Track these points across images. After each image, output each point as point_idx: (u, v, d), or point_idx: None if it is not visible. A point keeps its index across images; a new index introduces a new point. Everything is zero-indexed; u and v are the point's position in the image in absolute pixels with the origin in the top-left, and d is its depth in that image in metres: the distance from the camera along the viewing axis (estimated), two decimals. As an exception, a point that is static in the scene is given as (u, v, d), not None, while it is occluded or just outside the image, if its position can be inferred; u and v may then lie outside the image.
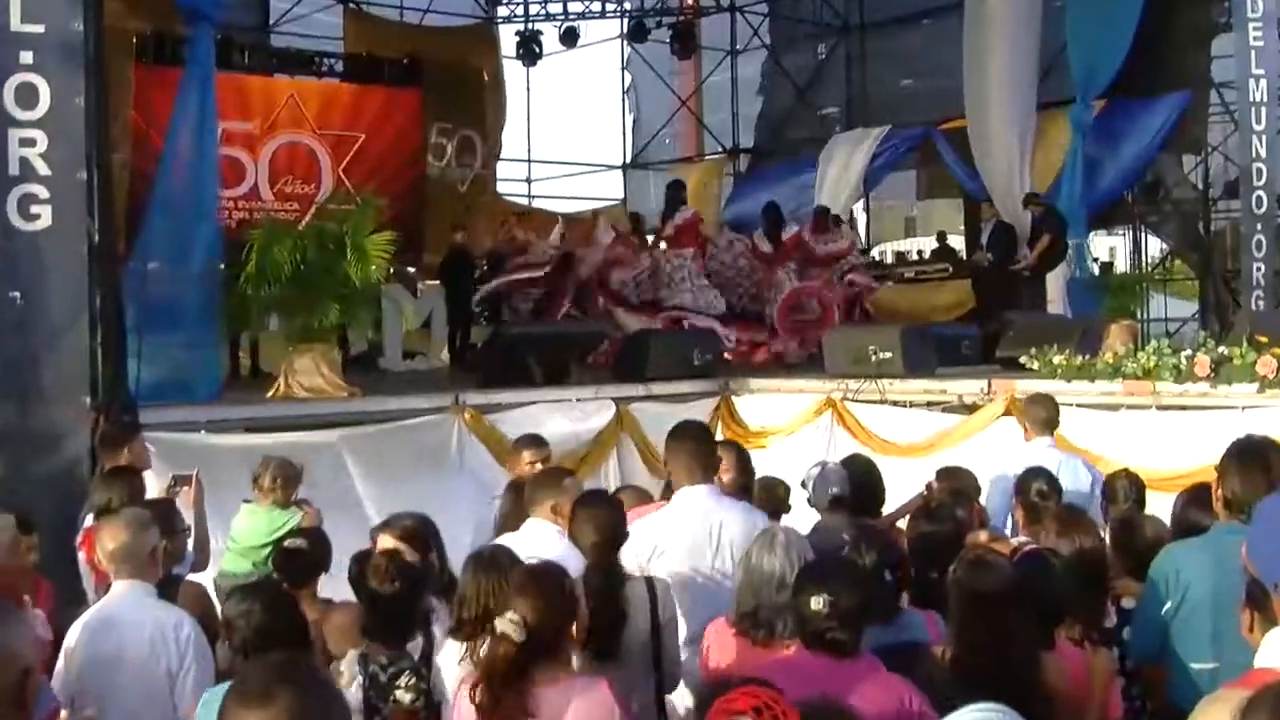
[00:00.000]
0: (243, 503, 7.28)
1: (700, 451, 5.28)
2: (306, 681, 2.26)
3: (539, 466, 6.86)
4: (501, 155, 22.48)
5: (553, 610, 3.78)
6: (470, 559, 4.49)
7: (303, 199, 16.97)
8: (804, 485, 6.63)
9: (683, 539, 5.06)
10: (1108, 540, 5.17)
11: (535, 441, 7.30)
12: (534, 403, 10.89)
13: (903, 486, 7.06)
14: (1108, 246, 17.62)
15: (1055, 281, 15.00)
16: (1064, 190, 15.20)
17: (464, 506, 9.86)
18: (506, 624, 3.71)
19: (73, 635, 4.62)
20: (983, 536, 5.84)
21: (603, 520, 4.80)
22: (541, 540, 4.99)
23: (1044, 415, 7.60)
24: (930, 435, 10.33)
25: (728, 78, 23.54)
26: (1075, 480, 6.95)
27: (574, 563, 4.51)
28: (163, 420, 8.89)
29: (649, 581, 4.74)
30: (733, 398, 11.99)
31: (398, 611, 4.55)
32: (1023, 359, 10.49)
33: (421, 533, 5.14)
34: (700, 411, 11.56)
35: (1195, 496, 5.12)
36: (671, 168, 23.86)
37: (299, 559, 5.53)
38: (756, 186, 21.11)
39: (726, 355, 13.70)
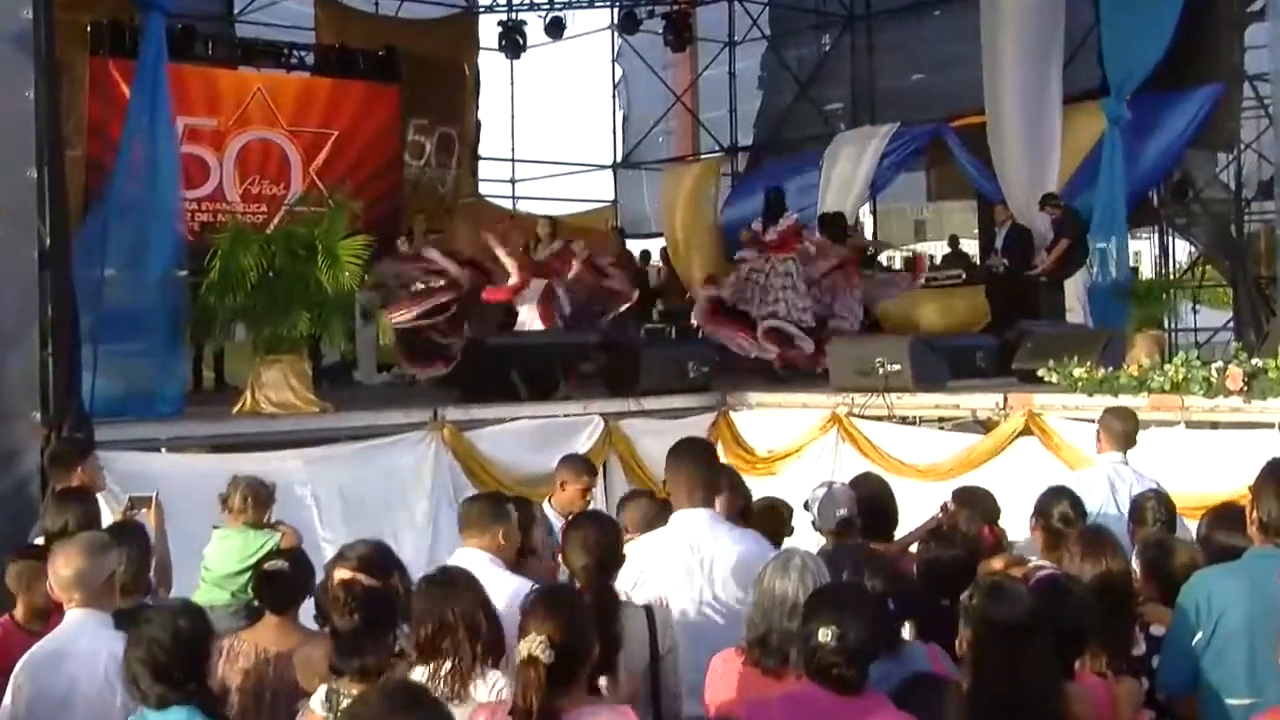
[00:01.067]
0: (213, 529, 7.24)
1: (701, 471, 5.26)
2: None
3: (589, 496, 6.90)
4: (483, 154, 22.50)
5: (577, 630, 3.78)
6: (424, 578, 4.48)
7: (271, 201, 16.95)
8: (807, 507, 6.60)
9: (669, 566, 5.04)
10: (1135, 564, 5.16)
11: (581, 465, 7.24)
12: (517, 419, 10.87)
13: (916, 511, 7.04)
14: (1133, 250, 17.58)
15: (1075, 288, 15.01)
16: (1102, 187, 15.14)
17: (439, 532, 9.94)
18: (533, 646, 3.68)
19: (21, 668, 4.58)
20: (996, 563, 5.83)
21: (594, 541, 4.78)
22: (476, 570, 4.98)
23: (1119, 428, 7.46)
24: (947, 458, 10.31)
25: (725, 71, 23.55)
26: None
27: (518, 591, 4.52)
28: (119, 438, 8.86)
29: (648, 610, 4.72)
30: (731, 413, 11.98)
31: (363, 644, 4.52)
32: (1041, 371, 10.48)
33: (379, 559, 5.10)
34: (696, 428, 11.54)
35: (1221, 516, 5.11)
36: (665, 167, 23.85)
37: (281, 583, 5.49)
38: (756, 187, 21.06)
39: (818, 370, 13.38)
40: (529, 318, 13.43)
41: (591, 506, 6.93)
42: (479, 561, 5.06)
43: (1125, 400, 9.72)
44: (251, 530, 7.07)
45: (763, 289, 14.14)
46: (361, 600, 4.54)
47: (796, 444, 11.37)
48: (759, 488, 7.96)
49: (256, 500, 7.15)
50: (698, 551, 5.04)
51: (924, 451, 10.56)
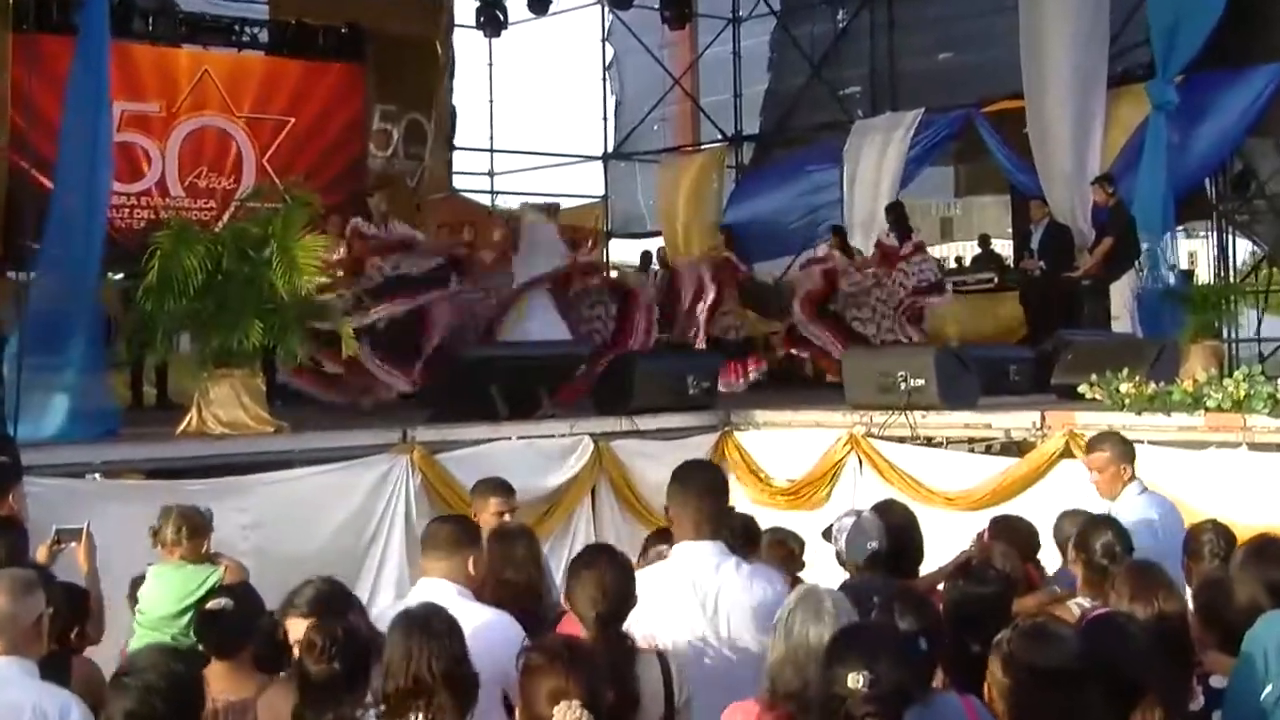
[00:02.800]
0: (148, 566, 7.19)
1: (710, 500, 5.23)
2: None
3: (507, 518, 6.84)
4: (458, 144, 22.51)
5: (598, 691, 3.75)
6: (400, 617, 4.45)
7: (220, 195, 16.93)
8: (828, 537, 6.57)
9: (668, 604, 5.01)
10: (1190, 605, 5.12)
11: (503, 488, 7.26)
12: (496, 439, 10.84)
13: (943, 543, 7.00)
14: (1186, 251, 17.58)
15: (1122, 293, 14.98)
16: (1145, 180, 15.15)
17: (408, 566, 9.90)
18: (569, 714, 3.67)
19: (-66, 723, 4.54)
20: (1030, 601, 5.79)
21: (608, 584, 4.74)
22: (442, 602, 4.95)
23: (1128, 449, 7.49)
24: (979, 484, 10.29)
25: (729, 51, 23.58)
26: None
27: (496, 629, 4.48)
28: (47, 462, 8.81)
29: (662, 657, 4.70)
30: (736, 433, 11.95)
31: (339, 695, 4.48)
32: (1082, 387, 10.46)
33: (332, 601, 5.06)
34: (697, 450, 11.52)
35: (1261, 551, 5.06)
36: (661, 158, 23.87)
37: (226, 623, 5.44)
38: (763, 182, 21.14)
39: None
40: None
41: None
42: (445, 594, 5.04)
43: (1180, 419, 9.71)
44: (189, 565, 7.01)
45: (866, 301, 15.59)
46: (344, 646, 4.51)
47: (820, 470, 11.31)
48: (766, 519, 7.95)
49: (192, 530, 7.09)
50: (700, 589, 5.01)
51: (952, 477, 10.53)
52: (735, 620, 4.96)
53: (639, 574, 5.13)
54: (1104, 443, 7.55)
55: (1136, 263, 14.95)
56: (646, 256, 20.69)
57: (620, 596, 4.74)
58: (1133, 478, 7.29)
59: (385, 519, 10.12)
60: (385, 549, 10.09)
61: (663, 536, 6.26)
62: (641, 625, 4.91)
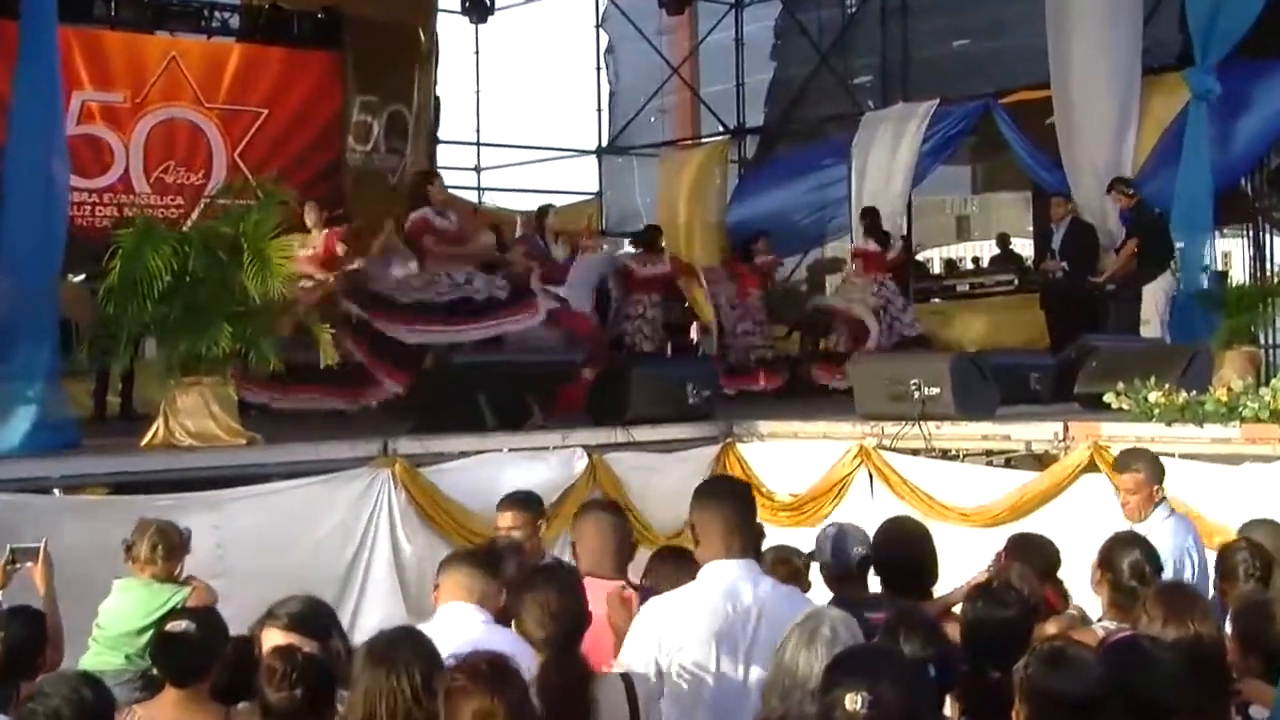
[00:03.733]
0: (114, 580, 7.19)
1: (739, 513, 5.22)
2: None
3: (516, 535, 6.93)
4: (442, 137, 22.48)
5: (529, 711, 3.76)
6: (364, 648, 4.43)
7: (188, 191, 16.94)
8: (813, 555, 6.59)
9: (707, 629, 4.99)
10: (1227, 630, 5.11)
11: (521, 502, 7.29)
12: (483, 451, 10.82)
13: (959, 562, 6.99)
14: (1221, 251, 17.55)
15: (1155, 297, 14.87)
16: (1185, 175, 15.11)
17: (387, 587, 9.89)
18: None
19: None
20: (1050, 627, 5.78)
21: (554, 605, 4.75)
22: (463, 629, 4.93)
23: (1159, 466, 7.53)
24: (997, 500, 10.27)
25: (730, 38, 23.54)
26: None
27: (520, 655, 4.50)
28: (1, 476, 8.79)
29: (626, 680, 4.68)
30: (739, 445, 11.94)
31: None
32: (1108, 396, 10.45)
33: (315, 618, 5.06)
34: (698, 463, 11.52)
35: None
36: (660, 152, 23.85)
37: (184, 648, 5.41)
38: (769, 179, 21.10)
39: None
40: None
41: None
42: (467, 619, 5.12)
43: (1214, 431, 9.69)
44: (158, 584, 7.01)
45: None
46: (304, 671, 4.50)
47: (828, 484, 11.30)
48: (770, 537, 7.92)
49: (169, 548, 7.10)
50: (738, 610, 4.99)
51: (968, 492, 10.51)
52: (776, 641, 4.93)
53: (665, 598, 5.12)
54: (1137, 462, 7.56)
55: (1172, 264, 14.90)
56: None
57: (569, 616, 4.75)
58: (1162, 498, 7.31)
59: (369, 537, 10.09)
60: (369, 569, 10.06)
61: (670, 556, 6.27)
62: (687, 654, 4.91)
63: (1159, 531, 6.98)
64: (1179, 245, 14.87)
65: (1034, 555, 6.57)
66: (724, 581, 5.06)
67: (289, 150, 17.89)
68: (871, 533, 6.71)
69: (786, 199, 20.13)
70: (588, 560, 6.09)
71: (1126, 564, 5.86)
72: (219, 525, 9.26)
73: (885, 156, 18.54)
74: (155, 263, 9.94)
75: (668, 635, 4.96)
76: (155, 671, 5.57)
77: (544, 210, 16.55)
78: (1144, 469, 7.49)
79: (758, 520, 5.44)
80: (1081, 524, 7.82)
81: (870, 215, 17.19)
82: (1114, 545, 6.03)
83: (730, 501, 5.27)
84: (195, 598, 6.91)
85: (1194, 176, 15.04)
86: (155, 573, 7.08)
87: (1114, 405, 10.35)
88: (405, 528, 10.13)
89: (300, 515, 9.87)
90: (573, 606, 4.79)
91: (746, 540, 5.21)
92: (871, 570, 6.54)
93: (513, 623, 5.02)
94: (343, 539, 9.99)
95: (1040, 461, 10.50)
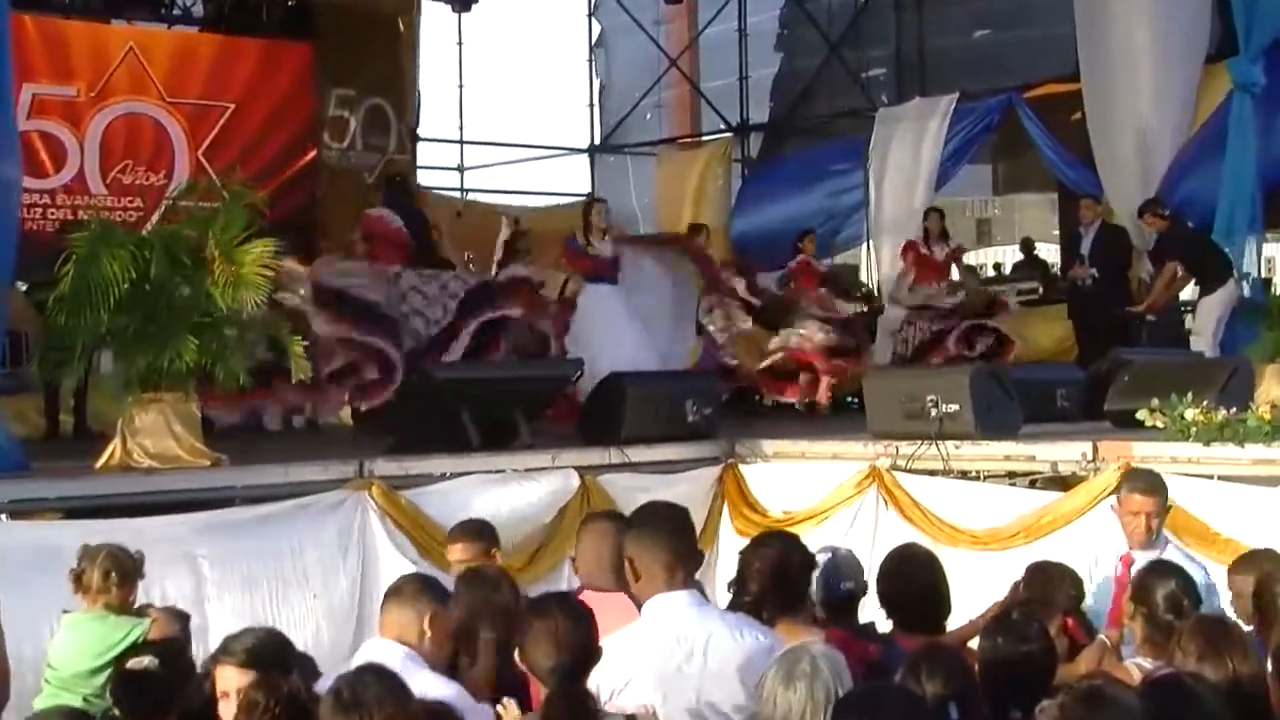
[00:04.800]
0: (62, 614, 7.16)
1: (679, 541, 5.25)
2: None
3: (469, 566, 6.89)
4: (422, 134, 22.51)
5: None
6: (327, 698, 4.44)
7: (147, 192, 16.94)
8: None
9: (652, 669, 5.01)
10: (1270, 668, 5.10)
11: (472, 531, 7.29)
12: (467, 474, 10.81)
13: (974, 590, 6.98)
14: (1265, 256, 17.53)
15: (1215, 307, 14.67)
16: (1230, 173, 15.08)
17: (366, 621, 9.85)
18: None
19: None
20: (1082, 664, 5.78)
21: (565, 634, 4.75)
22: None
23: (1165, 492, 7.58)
24: (1011, 521, 10.26)
25: (733, 28, 23.59)
26: None
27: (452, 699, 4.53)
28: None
29: (633, 722, 4.71)
30: (741, 466, 11.93)
31: None
32: (1141, 413, 10.43)
33: (272, 654, 5.06)
34: (696, 485, 11.52)
35: None
36: (657, 151, 23.87)
37: (147, 686, 5.41)
38: (775, 180, 21.10)
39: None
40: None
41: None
42: (391, 658, 5.05)
43: (1255, 451, 9.66)
44: (113, 615, 6.98)
45: None
46: (287, 706, 4.50)
47: (824, 504, 11.31)
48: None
49: (121, 575, 7.06)
50: (685, 644, 5.02)
51: (984, 513, 10.49)
52: (728, 675, 4.95)
53: (615, 638, 5.13)
54: (1154, 484, 7.58)
55: (1235, 272, 14.80)
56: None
57: (579, 649, 4.75)
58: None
59: (342, 564, 10.07)
60: (336, 599, 10.03)
61: None
62: (635, 691, 4.92)
63: (1175, 560, 6.99)
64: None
65: (1056, 585, 6.56)
66: (669, 616, 5.10)
67: (258, 148, 17.92)
68: (876, 559, 6.71)
69: (795, 204, 20.09)
70: (586, 572, 6.10)
71: (1162, 596, 5.84)
72: (182, 550, 9.26)
73: (907, 159, 18.49)
74: (112, 269, 9.90)
75: (607, 679, 4.98)
76: (116, 713, 5.54)
77: (588, 205, 16.43)
78: (1162, 493, 7.54)
79: (698, 547, 5.44)
80: (1107, 551, 7.78)
81: (936, 216, 17.02)
82: (1149, 576, 6.00)
83: (668, 529, 5.30)
84: (156, 629, 6.86)
85: (1238, 175, 15.02)
86: (109, 602, 7.01)
87: (1148, 423, 10.33)
88: (382, 553, 10.10)
89: (269, 541, 9.82)
90: (584, 639, 4.79)
91: (689, 569, 5.24)
92: (874, 602, 6.53)
93: (516, 652, 5.01)
94: (315, 566, 9.95)
95: (1066, 485, 10.48)
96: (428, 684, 4.90)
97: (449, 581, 6.14)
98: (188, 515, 9.58)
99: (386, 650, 5.12)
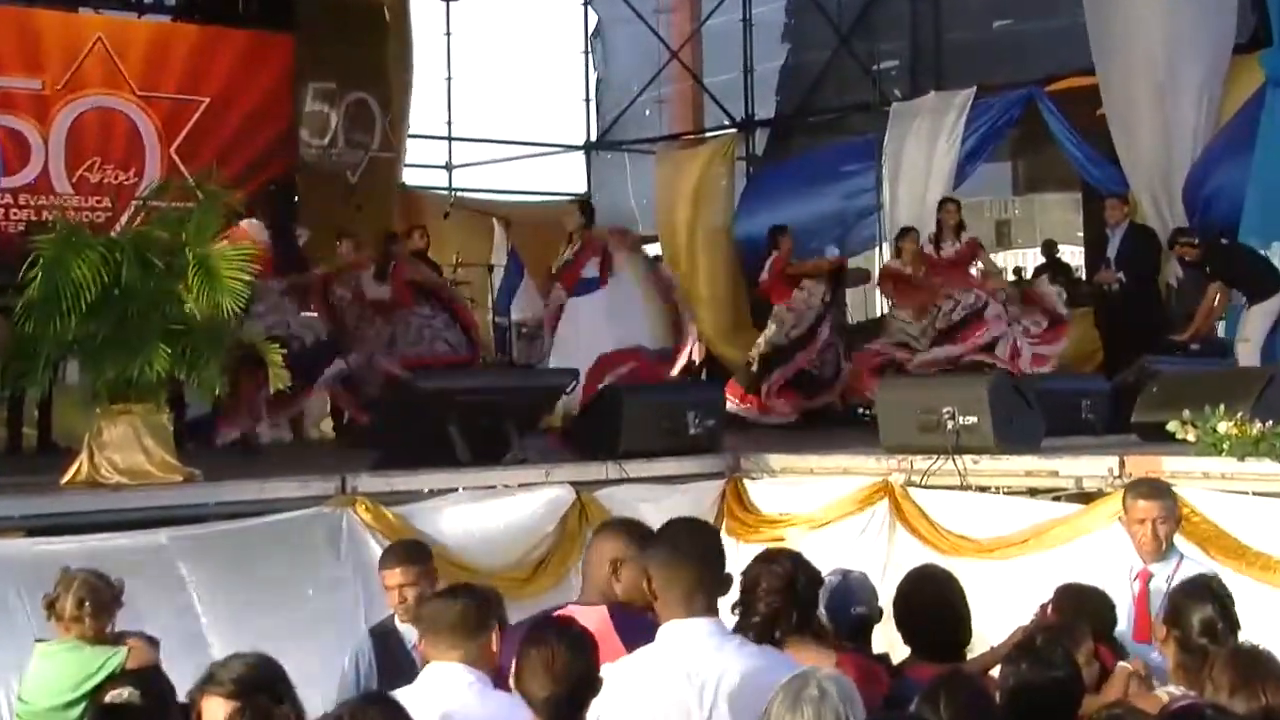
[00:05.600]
0: (35, 643, 7.15)
1: (702, 566, 5.16)
2: None
3: (408, 594, 6.95)
4: (411, 130, 22.53)
5: None
6: None
7: (116, 191, 16.92)
8: None
9: (658, 702, 4.96)
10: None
11: (406, 554, 7.35)
12: (455, 490, 10.81)
13: (990, 607, 6.98)
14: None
15: (1266, 311, 14.49)
16: (1261, 171, 15.08)
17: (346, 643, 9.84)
18: None
19: None
20: (1110, 692, 5.77)
21: (562, 665, 4.74)
22: (451, 695, 4.91)
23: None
24: (1026, 529, 10.25)
25: (737, 19, 23.60)
26: None
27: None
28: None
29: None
30: (745, 481, 11.92)
31: None
32: (1172, 426, 10.41)
33: (262, 682, 5.05)
34: (698, 499, 11.53)
35: None
36: (657, 149, 23.87)
37: (126, 718, 5.41)
38: (782, 179, 21.09)
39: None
40: None
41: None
42: (459, 683, 5.09)
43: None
44: (88, 646, 6.97)
45: None
46: None
47: (825, 512, 11.30)
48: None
49: (97, 604, 7.06)
50: (696, 678, 4.94)
51: (1004, 530, 10.47)
52: (740, 713, 4.87)
53: (623, 663, 5.11)
54: (1156, 489, 7.60)
55: None
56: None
57: (576, 678, 4.72)
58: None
59: (326, 584, 10.06)
60: (336, 623, 10.02)
61: None
62: None
63: (1187, 573, 6.99)
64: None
65: (1086, 608, 6.56)
66: (683, 645, 5.03)
67: (233, 145, 17.89)
68: (889, 581, 6.71)
69: (803, 205, 20.05)
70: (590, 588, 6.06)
71: (1197, 619, 5.79)
72: (150, 574, 9.24)
73: (922, 157, 18.48)
74: (81, 273, 9.88)
75: (607, 713, 4.94)
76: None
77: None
78: (1172, 496, 7.56)
79: (726, 570, 5.38)
80: (1120, 568, 7.79)
81: (953, 206, 16.81)
82: (1183, 597, 5.95)
83: (696, 552, 5.20)
84: (134, 658, 6.85)
85: (1270, 173, 15.01)
86: (83, 632, 7.00)
87: (1178, 436, 10.31)
88: (367, 572, 10.08)
89: (245, 560, 9.82)
90: (582, 669, 4.76)
91: (713, 596, 5.15)
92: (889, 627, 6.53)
93: (511, 680, 5.01)
94: (295, 586, 9.95)
95: (1085, 501, 10.46)
96: (495, 705, 4.90)
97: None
98: (158, 530, 9.58)
99: (454, 674, 5.16)
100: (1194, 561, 7.57)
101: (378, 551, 9.95)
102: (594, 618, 5.36)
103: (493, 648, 5.29)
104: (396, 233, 17.08)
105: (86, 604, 7.04)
